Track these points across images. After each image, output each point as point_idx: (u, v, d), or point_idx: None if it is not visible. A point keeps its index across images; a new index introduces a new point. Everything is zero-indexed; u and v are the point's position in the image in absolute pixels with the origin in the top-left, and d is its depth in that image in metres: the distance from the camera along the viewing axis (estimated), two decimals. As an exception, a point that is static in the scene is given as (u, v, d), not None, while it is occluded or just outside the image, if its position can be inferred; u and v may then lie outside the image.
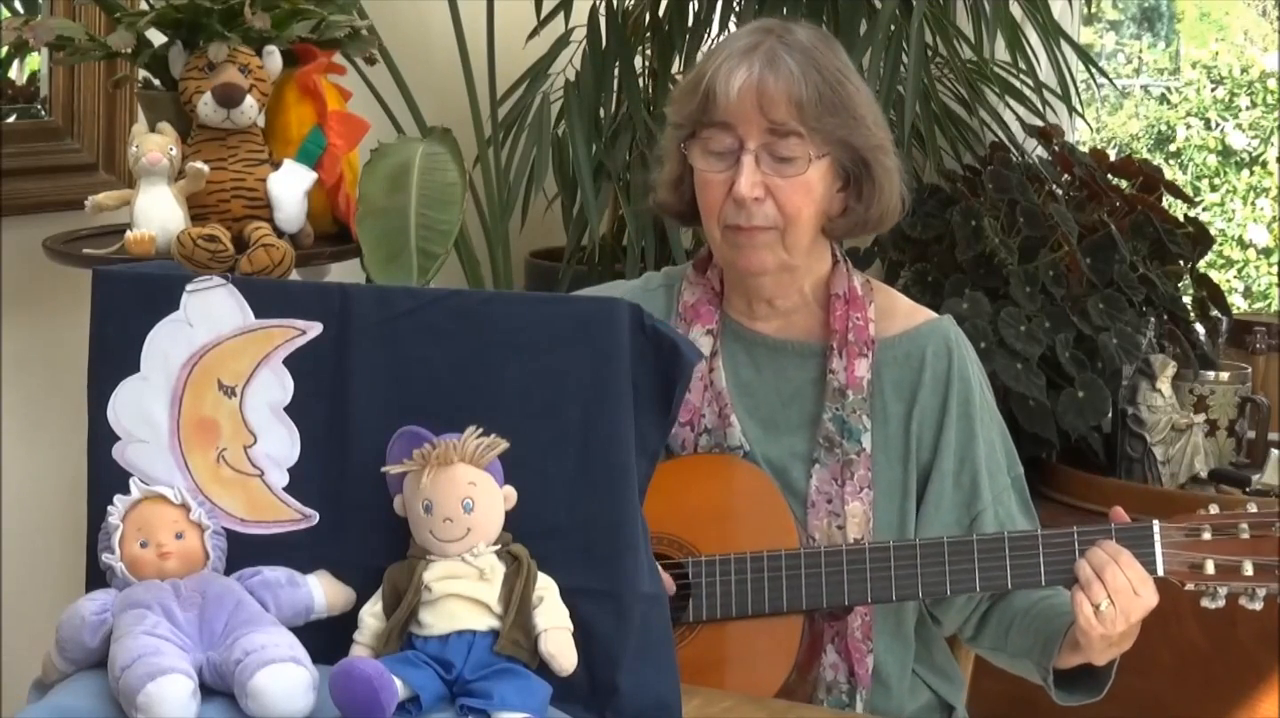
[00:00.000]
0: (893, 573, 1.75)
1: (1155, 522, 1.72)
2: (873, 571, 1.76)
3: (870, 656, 1.83)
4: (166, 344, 1.49)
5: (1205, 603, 1.72)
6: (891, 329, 1.89)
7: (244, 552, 1.45)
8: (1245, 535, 1.71)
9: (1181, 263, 3.03)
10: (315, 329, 1.48)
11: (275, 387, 1.47)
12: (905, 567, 1.75)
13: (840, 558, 1.76)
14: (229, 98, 2.02)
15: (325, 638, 1.41)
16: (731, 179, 1.80)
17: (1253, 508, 1.73)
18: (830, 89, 1.80)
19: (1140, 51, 6.63)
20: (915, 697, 1.90)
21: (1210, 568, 1.70)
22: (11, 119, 2.37)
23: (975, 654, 2.03)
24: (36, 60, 2.41)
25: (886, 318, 1.90)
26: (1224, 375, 2.84)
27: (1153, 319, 2.87)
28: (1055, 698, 1.80)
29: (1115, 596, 1.67)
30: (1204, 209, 5.80)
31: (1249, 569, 1.69)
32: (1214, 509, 1.73)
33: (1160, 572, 1.71)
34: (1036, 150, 3.18)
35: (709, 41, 3.10)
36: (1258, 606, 1.71)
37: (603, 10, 2.96)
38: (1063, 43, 3.10)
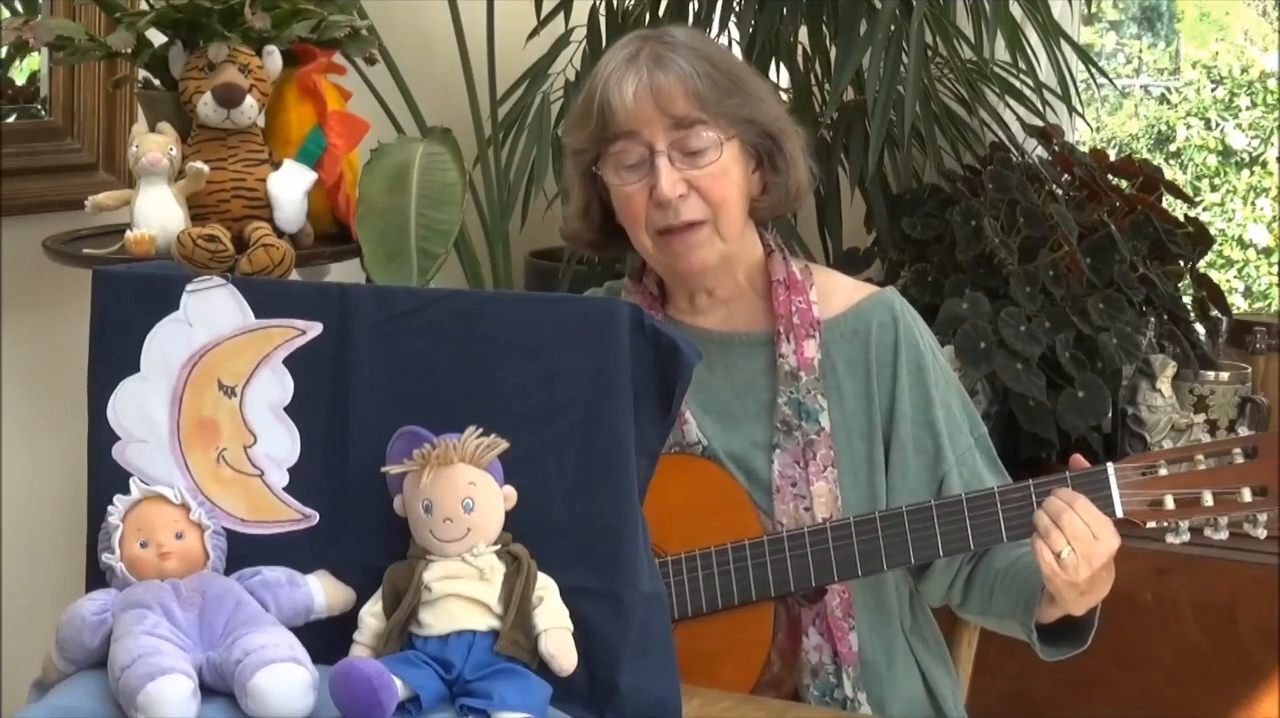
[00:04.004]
0: (855, 548, 1.77)
1: (1109, 464, 1.73)
2: (836, 548, 1.77)
3: (853, 633, 1.83)
4: (166, 344, 1.49)
5: (1170, 539, 1.72)
6: (835, 308, 1.91)
7: (244, 552, 1.45)
8: (1202, 467, 1.70)
9: (1181, 263, 3.03)
10: (315, 329, 1.48)
11: (275, 387, 1.47)
12: (867, 540, 1.77)
13: (803, 540, 1.78)
14: (229, 98, 2.02)
15: (325, 638, 1.41)
16: (650, 185, 1.82)
17: (1205, 438, 1.73)
18: (721, 73, 1.83)
19: (1140, 51, 6.63)
20: (905, 674, 1.90)
21: (1170, 503, 1.70)
22: (11, 119, 2.38)
23: (975, 653, 2.04)
24: (36, 60, 2.41)
25: (828, 298, 1.91)
26: (1224, 375, 2.84)
27: (1153, 319, 2.87)
28: (1040, 654, 1.81)
29: (1075, 541, 1.67)
30: (1204, 209, 5.79)
31: (1209, 499, 1.69)
32: (1167, 445, 1.73)
33: (1119, 513, 1.71)
34: (1036, 150, 3.18)
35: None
36: (1223, 535, 1.70)
37: (603, 10, 2.96)
38: (1063, 43, 3.10)
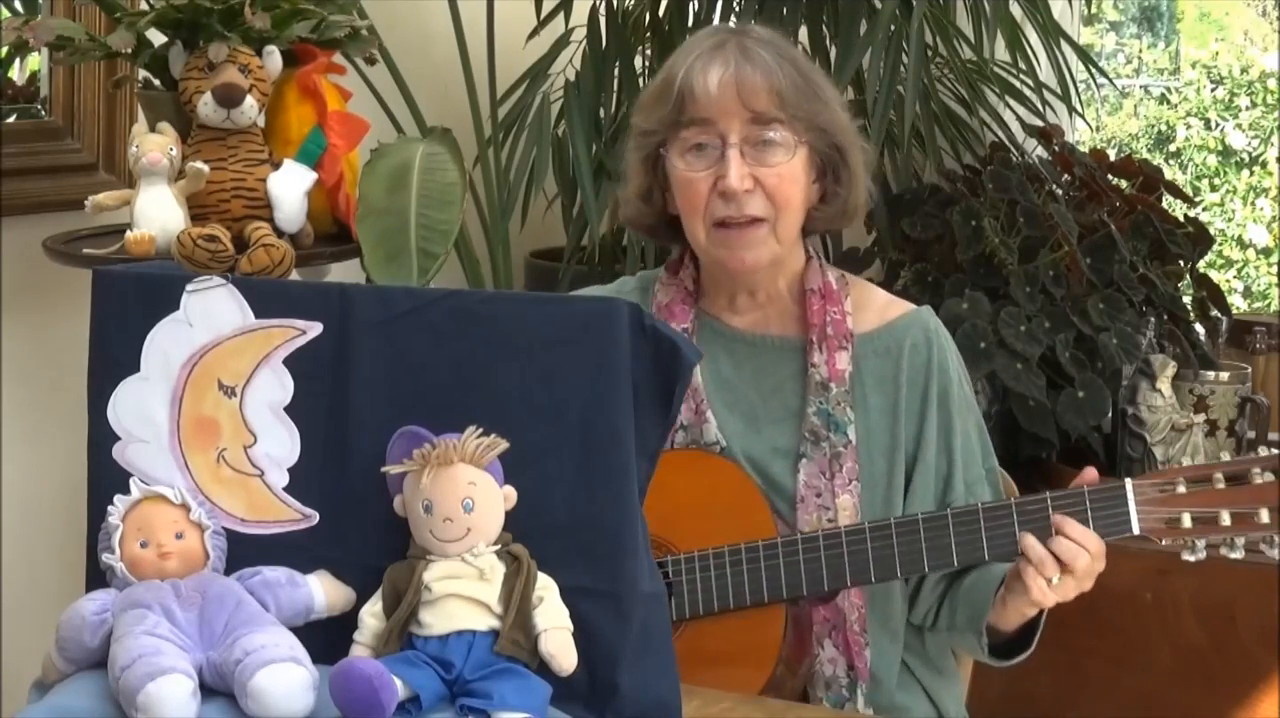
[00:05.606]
0: (869, 553, 1.76)
1: (1128, 480, 1.73)
2: (850, 553, 1.77)
3: (868, 648, 1.84)
4: (166, 344, 1.49)
5: (1186, 557, 1.71)
6: (869, 323, 1.90)
7: (244, 552, 1.45)
8: (1220, 485, 1.70)
9: (1181, 263, 3.03)
10: (315, 329, 1.48)
11: (275, 387, 1.47)
12: (881, 546, 1.77)
13: (817, 543, 1.78)
14: (229, 98, 2.02)
15: (325, 638, 1.41)
16: (716, 175, 1.81)
17: (1225, 457, 1.72)
18: (802, 77, 1.84)
19: (1140, 51, 6.64)
20: (907, 693, 1.90)
21: (1187, 521, 1.70)
22: (11, 119, 2.38)
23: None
24: (36, 60, 2.41)
25: (863, 311, 1.91)
26: (1224, 375, 2.84)
27: (1153, 319, 2.87)
28: (989, 661, 1.84)
29: (1072, 562, 1.69)
30: (1204, 209, 5.80)
31: (1226, 519, 1.69)
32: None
33: (1136, 530, 1.72)
34: (1036, 150, 3.18)
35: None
36: (1239, 554, 1.69)
37: (603, 10, 2.96)
38: (1063, 43, 3.10)
